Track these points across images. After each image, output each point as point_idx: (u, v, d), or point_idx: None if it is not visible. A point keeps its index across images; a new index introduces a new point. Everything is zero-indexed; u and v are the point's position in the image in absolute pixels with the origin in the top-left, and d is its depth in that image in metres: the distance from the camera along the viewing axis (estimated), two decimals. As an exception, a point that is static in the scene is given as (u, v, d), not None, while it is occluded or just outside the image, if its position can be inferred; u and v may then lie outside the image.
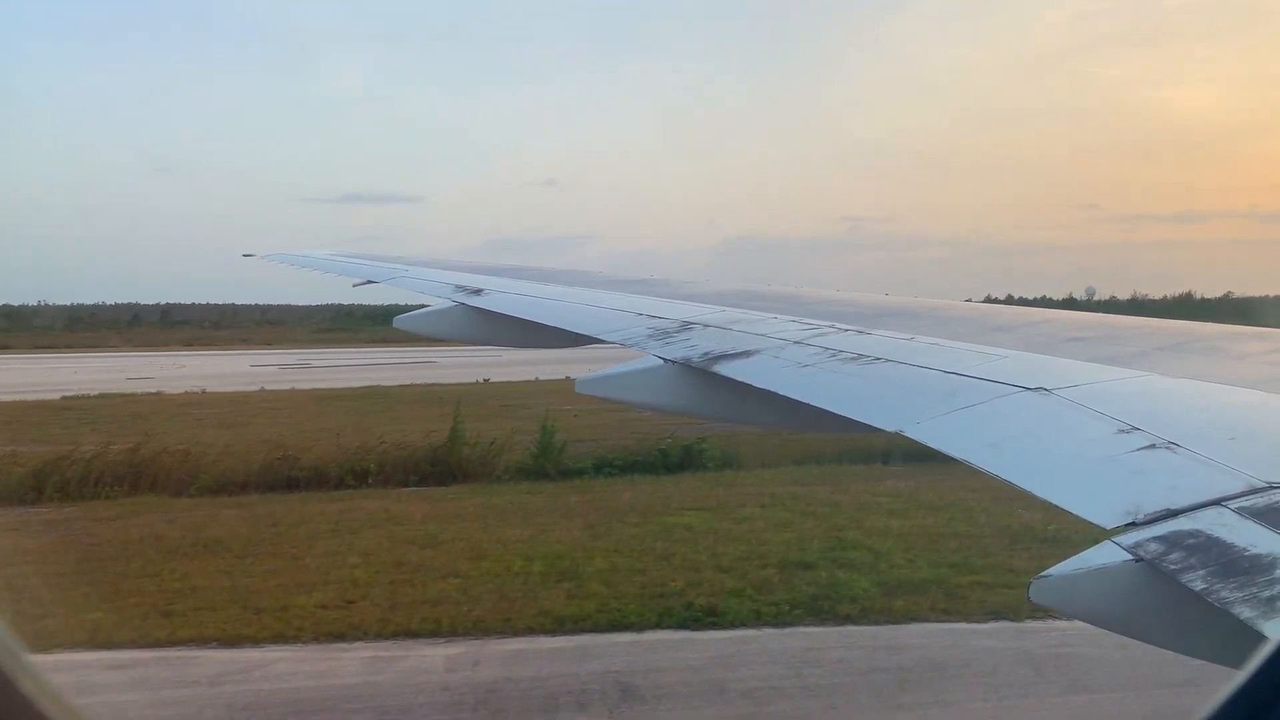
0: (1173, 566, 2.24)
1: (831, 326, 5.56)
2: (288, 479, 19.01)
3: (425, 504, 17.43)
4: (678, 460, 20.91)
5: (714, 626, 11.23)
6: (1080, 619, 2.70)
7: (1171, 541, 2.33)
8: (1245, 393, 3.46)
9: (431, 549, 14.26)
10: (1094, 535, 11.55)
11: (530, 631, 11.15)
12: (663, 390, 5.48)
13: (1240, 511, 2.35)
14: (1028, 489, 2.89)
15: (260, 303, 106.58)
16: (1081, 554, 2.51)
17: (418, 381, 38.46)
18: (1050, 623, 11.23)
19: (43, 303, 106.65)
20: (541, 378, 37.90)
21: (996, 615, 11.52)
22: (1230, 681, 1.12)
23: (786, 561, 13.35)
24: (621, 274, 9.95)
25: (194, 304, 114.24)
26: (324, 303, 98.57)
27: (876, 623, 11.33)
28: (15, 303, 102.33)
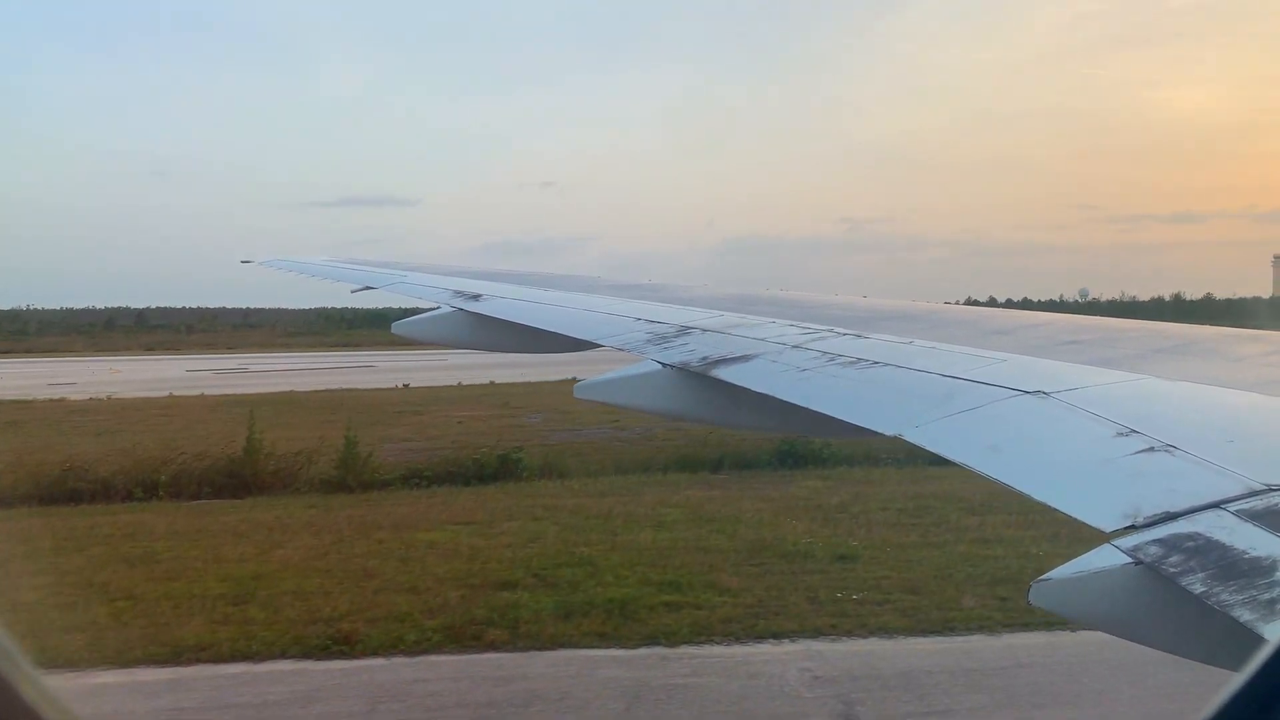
0: (1172, 569, 2.24)
1: (830, 330, 5.56)
2: (71, 491, 18.36)
3: (188, 518, 16.83)
4: (492, 470, 20.06)
5: (341, 656, 10.65)
6: (1080, 622, 2.70)
7: (1170, 544, 2.34)
8: (1243, 395, 3.46)
9: (136, 568, 13.63)
10: (838, 552, 13.36)
11: (138, 663, 10.51)
12: (661, 395, 5.49)
13: (1239, 514, 2.36)
14: (1026, 492, 2.90)
15: (258, 306, 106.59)
16: (1081, 557, 2.51)
17: (341, 386, 38.22)
18: (703, 648, 10.81)
19: (30, 306, 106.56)
20: (483, 381, 37.91)
21: (653, 641, 10.97)
22: (1229, 683, 1.12)
23: (492, 581, 12.82)
24: (620, 276, 9.95)
25: (184, 308, 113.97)
26: (321, 306, 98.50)
27: (520, 649, 10.81)
28: (6, 306, 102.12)
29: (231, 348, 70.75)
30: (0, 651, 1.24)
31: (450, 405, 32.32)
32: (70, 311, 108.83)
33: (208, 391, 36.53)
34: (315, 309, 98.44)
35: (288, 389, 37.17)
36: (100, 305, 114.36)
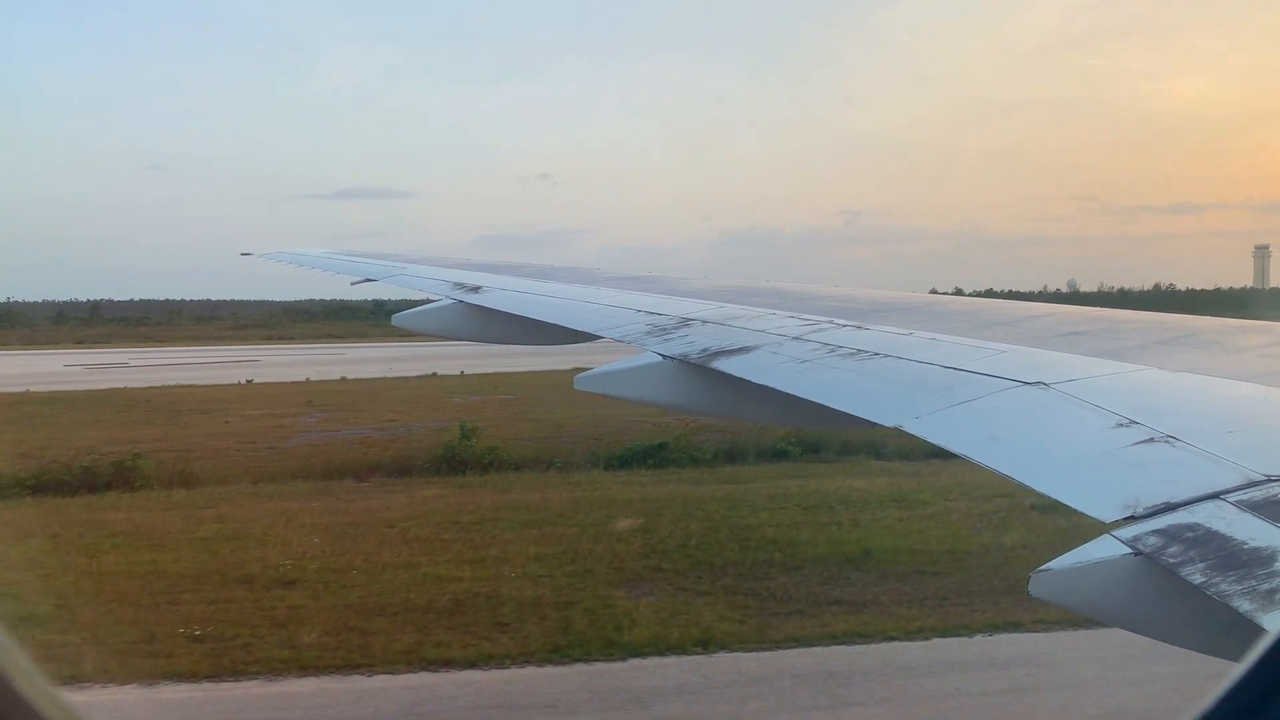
0: (1171, 560, 2.24)
1: (830, 322, 5.55)
2: None
3: None
4: (106, 478, 18.73)
5: None
6: (1080, 613, 2.70)
7: (1170, 535, 2.33)
8: (1243, 386, 3.46)
9: None
10: (291, 576, 12.62)
11: None
12: (661, 387, 5.48)
13: (1238, 504, 2.35)
14: (1027, 483, 2.89)
15: (254, 299, 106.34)
16: (1081, 548, 2.51)
17: (190, 382, 37.35)
18: None
19: (11, 299, 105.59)
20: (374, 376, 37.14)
21: None
22: (1230, 674, 1.12)
23: None
24: (618, 269, 9.95)
25: (168, 300, 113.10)
26: (317, 298, 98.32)
27: None
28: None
29: (163, 341, 69.54)
30: (0, 651, 1.24)
31: (256, 404, 31.39)
32: (52, 304, 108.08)
33: (38, 389, 34.70)
34: (305, 300, 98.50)
35: (124, 386, 36.11)
36: (83, 299, 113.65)
